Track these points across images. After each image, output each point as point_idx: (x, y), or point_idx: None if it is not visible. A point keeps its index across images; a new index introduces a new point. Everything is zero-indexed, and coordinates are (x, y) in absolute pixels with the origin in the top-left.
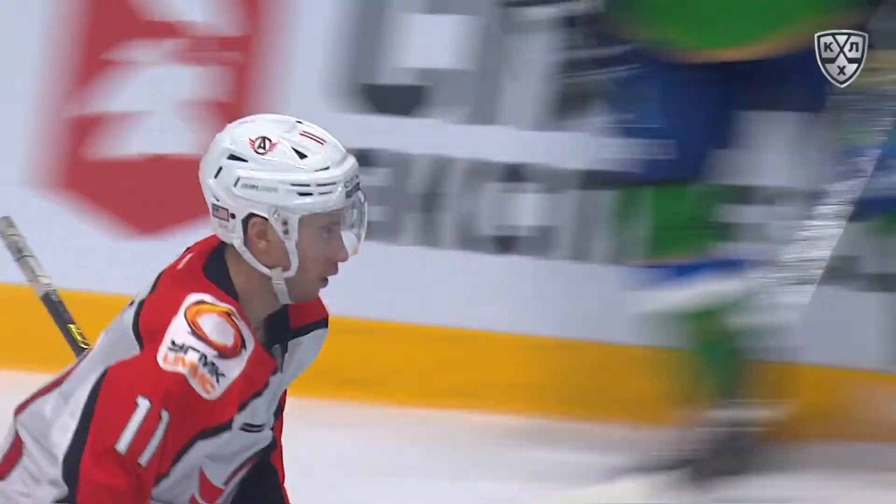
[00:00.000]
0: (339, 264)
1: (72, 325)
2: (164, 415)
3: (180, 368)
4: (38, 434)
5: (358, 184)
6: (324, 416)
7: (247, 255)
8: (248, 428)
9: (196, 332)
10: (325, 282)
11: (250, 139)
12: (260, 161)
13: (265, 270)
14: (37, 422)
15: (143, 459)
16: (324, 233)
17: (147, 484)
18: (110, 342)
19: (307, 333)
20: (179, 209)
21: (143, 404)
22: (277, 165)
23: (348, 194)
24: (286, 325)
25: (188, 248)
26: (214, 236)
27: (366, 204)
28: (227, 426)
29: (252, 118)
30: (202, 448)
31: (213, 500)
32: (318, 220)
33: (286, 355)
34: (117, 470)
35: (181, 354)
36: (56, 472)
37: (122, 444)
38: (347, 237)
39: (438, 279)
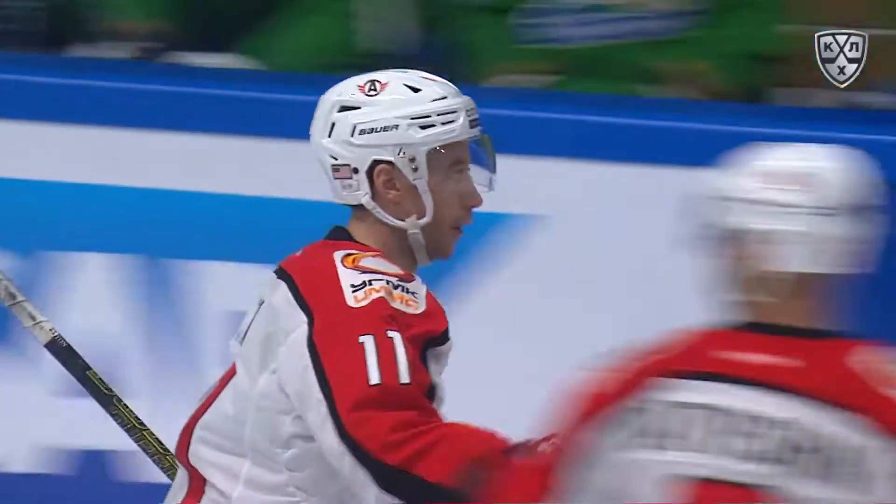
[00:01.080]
0: None
1: (89, 372)
2: (391, 333)
3: (375, 295)
4: (223, 448)
5: (478, 118)
6: None
7: (377, 212)
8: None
9: (366, 270)
10: (458, 231)
11: (358, 85)
12: (373, 103)
13: (399, 223)
14: (216, 437)
15: (403, 378)
16: (453, 171)
17: (421, 401)
18: (262, 328)
19: None
20: None
21: (368, 339)
22: (392, 103)
23: (471, 124)
24: None
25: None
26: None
27: (491, 141)
28: (446, 334)
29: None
30: (435, 360)
31: None
32: (446, 157)
33: None
34: (383, 406)
35: (367, 287)
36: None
37: (374, 377)
38: (478, 176)
39: None
